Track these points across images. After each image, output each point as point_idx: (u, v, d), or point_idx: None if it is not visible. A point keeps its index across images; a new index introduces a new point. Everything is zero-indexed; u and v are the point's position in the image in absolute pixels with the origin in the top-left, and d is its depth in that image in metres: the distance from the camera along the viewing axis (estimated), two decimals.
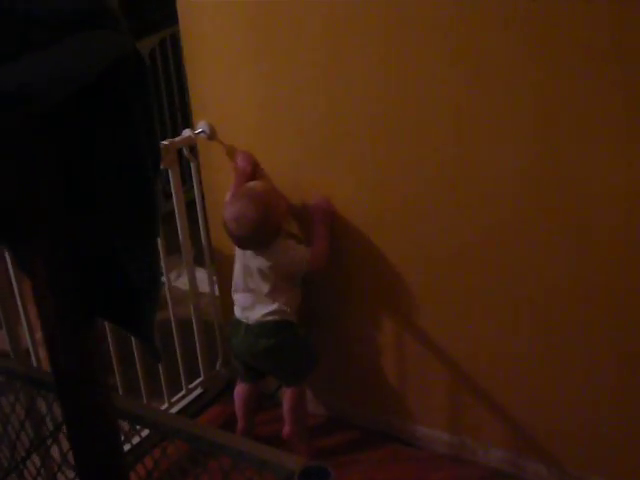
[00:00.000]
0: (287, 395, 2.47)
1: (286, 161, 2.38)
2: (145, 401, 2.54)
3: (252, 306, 2.37)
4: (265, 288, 2.34)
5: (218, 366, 2.82)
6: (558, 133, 1.91)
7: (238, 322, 2.41)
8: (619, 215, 1.92)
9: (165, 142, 2.38)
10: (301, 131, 2.30)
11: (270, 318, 2.35)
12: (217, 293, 2.77)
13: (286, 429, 2.49)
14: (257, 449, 1.22)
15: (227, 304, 2.58)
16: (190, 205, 2.62)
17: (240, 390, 2.54)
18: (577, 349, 2.11)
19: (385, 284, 2.36)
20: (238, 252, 2.39)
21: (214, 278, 2.75)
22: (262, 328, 2.36)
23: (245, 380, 2.52)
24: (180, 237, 2.56)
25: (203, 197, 2.61)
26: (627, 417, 2.10)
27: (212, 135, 2.48)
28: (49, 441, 1.55)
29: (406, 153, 2.14)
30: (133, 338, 2.35)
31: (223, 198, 2.49)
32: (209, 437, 1.25)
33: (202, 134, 2.48)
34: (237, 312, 2.42)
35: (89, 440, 1.09)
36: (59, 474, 1.49)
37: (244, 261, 2.36)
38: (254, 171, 2.43)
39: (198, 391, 2.76)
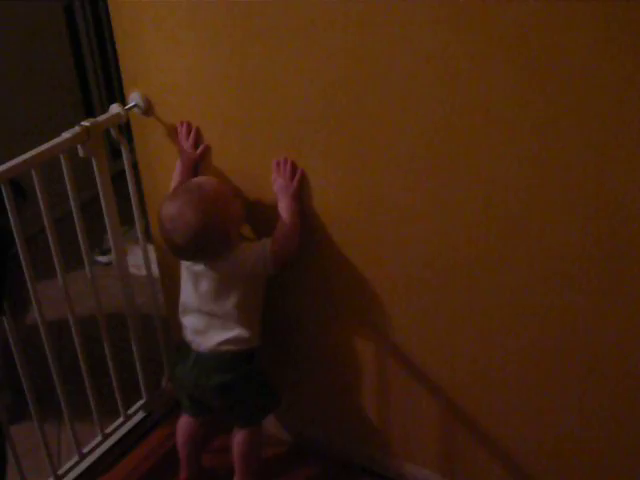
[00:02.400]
0: (238, 437, 2.02)
1: (239, 146, 1.88)
2: (71, 434, 2.09)
3: (205, 331, 1.90)
4: (221, 309, 1.86)
5: (164, 382, 2.36)
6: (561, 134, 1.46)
7: (186, 348, 1.94)
8: None
9: (85, 122, 1.86)
10: (259, 110, 1.80)
11: (226, 348, 1.89)
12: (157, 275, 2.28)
13: None
14: None
15: (171, 293, 2.10)
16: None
17: (184, 425, 2.08)
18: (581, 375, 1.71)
19: (366, 297, 1.89)
20: (185, 264, 1.91)
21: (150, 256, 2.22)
22: (216, 360, 1.90)
23: (191, 413, 2.06)
24: (110, 235, 2.08)
25: (140, 188, 2.11)
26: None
27: (148, 110, 1.96)
28: None
29: (385, 140, 1.67)
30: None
31: (163, 187, 2.01)
32: None
33: (135, 109, 1.97)
34: (187, 335, 1.95)
35: None
36: None
37: (193, 276, 1.88)
38: (201, 155, 1.93)
39: (139, 416, 2.30)
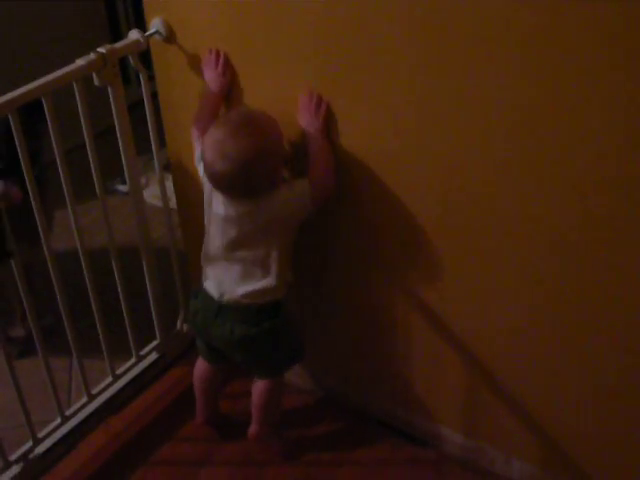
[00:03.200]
0: (259, 388, 1.93)
1: (266, 79, 1.75)
2: (80, 375, 2.02)
3: (229, 280, 1.78)
4: (252, 255, 1.74)
5: (179, 324, 2.27)
6: None
7: (208, 299, 1.82)
8: None
9: (101, 49, 1.73)
10: (298, 40, 1.65)
11: (252, 300, 1.77)
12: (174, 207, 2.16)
13: (253, 428, 1.98)
14: None
15: (190, 227, 1.96)
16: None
17: (201, 370, 2.00)
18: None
19: (402, 240, 1.78)
20: (214, 207, 1.75)
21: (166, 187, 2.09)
22: (241, 312, 1.79)
23: (208, 360, 1.97)
24: (125, 167, 1.96)
25: (158, 118, 1.99)
26: None
27: (170, 37, 1.83)
28: None
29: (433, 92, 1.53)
30: None
31: (184, 118, 1.89)
32: None
33: (156, 35, 1.83)
34: (209, 286, 1.83)
35: None
36: None
37: (223, 219, 1.73)
38: (230, 82, 1.78)
39: (153, 356, 2.22)
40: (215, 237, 1.77)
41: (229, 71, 1.77)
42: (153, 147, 1.98)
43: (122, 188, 3.05)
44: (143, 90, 1.89)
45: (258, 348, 1.84)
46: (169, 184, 2.12)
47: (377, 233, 1.80)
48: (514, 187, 1.53)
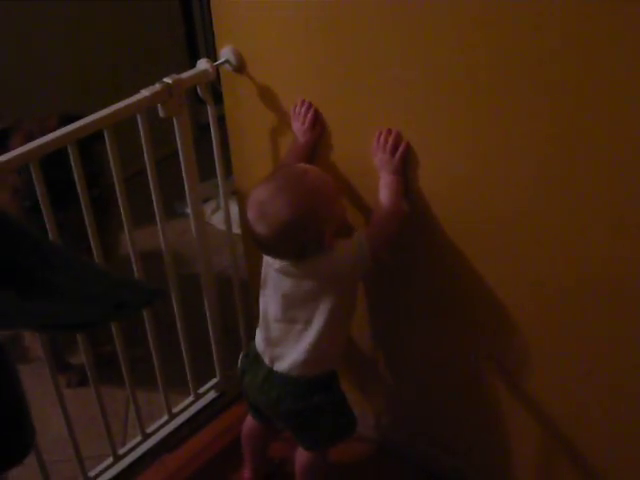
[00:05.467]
0: (301, 457, 1.83)
1: (338, 118, 1.64)
2: (135, 414, 1.95)
3: (282, 344, 1.66)
4: (306, 316, 1.61)
5: (241, 361, 2.17)
6: None
7: (258, 359, 1.72)
8: None
9: (167, 79, 1.64)
10: (375, 77, 1.53)
11: (303, 372, 1.65)
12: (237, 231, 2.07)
13: None
14: None
15: (254, 256, 1.86)
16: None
17: (248, 427, 1.90)
18: None
19: (475, 303, 1.65)
20: (267, 259, 1.65)
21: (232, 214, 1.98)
22: (289, 384, 1.67)
23: (256, 418, 1.87)
24: (188, 199, 1.88)
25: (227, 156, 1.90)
26: None
27: (240, 66, 1.74)
28: None
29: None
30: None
31: (252, 150, 1.81)
32: None
33: (226, 65, 1.75)
34: (260, 345, 1.72)
35: None
36: None
37: (275, 275, 1.62)
38: (317, 137, 1.67)
39: (211, 395, 2.13)
40: (268, 292, 1.66)
41: (319, 125, 1.66)
42: (218, 173, 1.89)
43: (189, 211, 2.98)
44: (210, 121, 1.80)
45: (304, 422, 1.72)
46: (236, 209, 2.03)
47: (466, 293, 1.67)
48: None
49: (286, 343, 1.65)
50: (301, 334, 1.63)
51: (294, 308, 1.61)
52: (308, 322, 1.61)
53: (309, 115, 1.64)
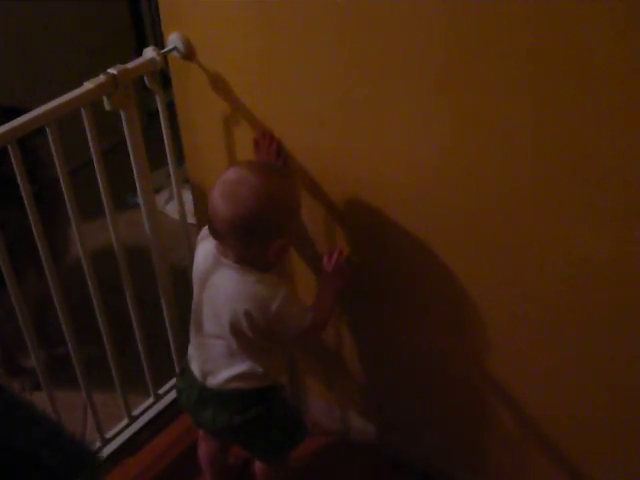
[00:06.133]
0: (260, 469, 1.77)
1: (302, 111, 1.57)
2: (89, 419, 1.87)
3: (213, 362, 1.58)
4: (235, 340, 1.53)
5: (177, 379, 2.09)
6: None
7: (191, 378, 1.63)
8: None
9: (112, 70, 1.55)
10: (334, 65, 1.46)
11: (236, 385, 1.57)
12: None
13: None
14: None
15: None
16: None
17: (203, 444, 1.82)
18: None
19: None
20: (200, 261, 1.57)
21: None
22: (223, 399, 1.60)
23: (208, 437, 1.79)
24: (139, 191, 1.80)
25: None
26: None
27: (189, 54, 1.65)
28: None
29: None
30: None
31: (204, 140, 1.75)
32: None
33: (174, 52, 1.67)
34: (192, 364, 1.64)
35: None
36: None
37: (208, 293, 1.54)
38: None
39: (171, 396, 2.04)
40: (199, 307, 1.58)
41: (282, 155, 1.61)
42: (170, 162, 1.80)
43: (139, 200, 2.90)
44: (160, 112, 1.72)
45: (246, 437, 1.65)
46: (190, 198, 1.94)
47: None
48: None
49: (217, 359, 1.57)
50: (232, 349, 1.55)
51: (221, 328, 1.53)
52: (237, 346, 1.54)
53: (272, 147, 1.60)
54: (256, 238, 1.45)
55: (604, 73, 1.16)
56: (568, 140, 1.25)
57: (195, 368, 1.62)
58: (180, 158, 1.84)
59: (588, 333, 1.43)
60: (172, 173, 1.82)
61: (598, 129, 1.22)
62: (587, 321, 1.42)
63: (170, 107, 1.75)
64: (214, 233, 1.50)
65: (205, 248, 1.56)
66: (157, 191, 2.79)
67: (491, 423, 1.70)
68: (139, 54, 1.65)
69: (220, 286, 1.51)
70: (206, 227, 1.54)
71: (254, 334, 1.50)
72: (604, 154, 1.23)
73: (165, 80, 1.73)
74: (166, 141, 1.75)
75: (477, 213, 1.43)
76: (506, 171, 1.35)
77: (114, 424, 1.95)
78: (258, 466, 1.76)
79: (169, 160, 1.79)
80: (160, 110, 1.71)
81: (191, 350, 1.65)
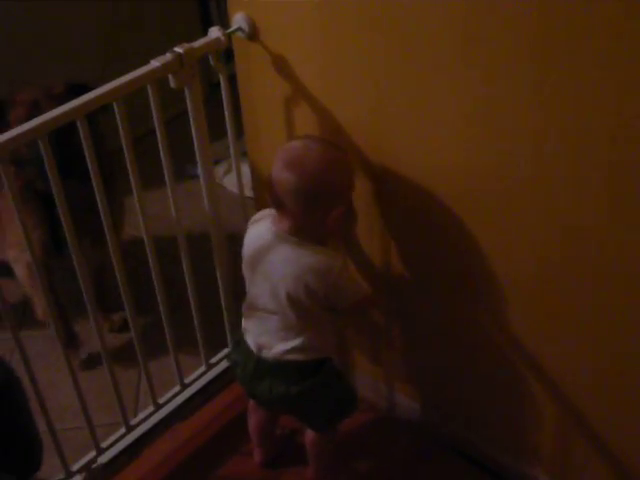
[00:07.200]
0: (309, 438, 1.81)
1: (358, 88, 1.60)
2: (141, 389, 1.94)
3: (270, 334, 1.64)
4: (292, 313, 1.59)
5: (231, 352, 2.14)
6: None
7: (247, 350, 1.69)
8: None
9: (178, 49, 1.59)
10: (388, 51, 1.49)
11: (292, 357, 1.63)
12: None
13: (308, 474, 1.88)
14: None
15: None
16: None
17: (253, 415, 1.89)
18: None
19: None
20: (256, 251, 1.62)
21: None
22: (280, 370, 1.65)
23: (258, 406, 1.85)
24: (200, 167, 1.84)
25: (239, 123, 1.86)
26: None
27: (253, 34, 1.69)
28: None
29: None
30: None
31: (265, 119, 1.79)
32: None
33: (239, 32, 1.70)
34: (247, 337, 1.70)
35: None
36: None
37: (264, 268, 1.60)
38: None
39: (223, 365, 2.10)
40: (257, 277, 1.63)
41: None
42: (230, 135, 1.83)
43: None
44: (222, 91, 1.76)
45: (301, 406, 1.71)
46: (248, 171, 1.99)
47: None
48: None
49: (272, 333, 1.63)
50: (287, 323, 1.61)
51: (280, 302, 1.59)
52: (295, 318, 1.60)
53: None
54: (319, 204, 1.52)
55: None
56: None
57: (250, 341, 1.68)
58: (240, 131, 1.88)
59: None
60: (232, 146, 1.86)
61: None
62: None
63: (231, 80, 1.78)
64: (275, 202, 1.55)
65: (259, 228, 1.62)
66: (216, 163, 2.84)
67: (537, 407, 1.72)
68: (204, 34, 1.69)
69: (277, 262, 1.57)
70: (258, 213, 1.62)
71: (313, 302, 1.57)
72: None
73: (227, 54, 1.77)
74: (227, 118, 1.79)
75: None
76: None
77: (167, 390, 2.02)
78: (309, 436, 1.81)
79: (229, 136, 1.83)
80: (223, 88, 1.76)
81: (245, 324, 1.71)
